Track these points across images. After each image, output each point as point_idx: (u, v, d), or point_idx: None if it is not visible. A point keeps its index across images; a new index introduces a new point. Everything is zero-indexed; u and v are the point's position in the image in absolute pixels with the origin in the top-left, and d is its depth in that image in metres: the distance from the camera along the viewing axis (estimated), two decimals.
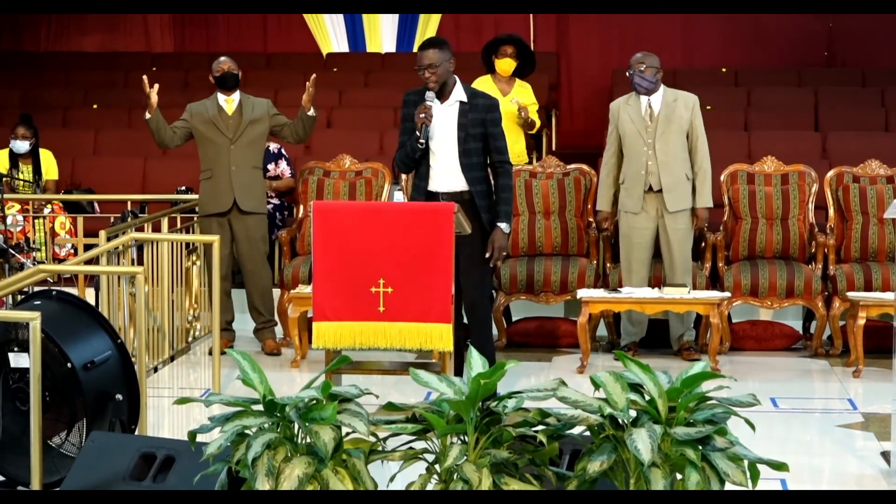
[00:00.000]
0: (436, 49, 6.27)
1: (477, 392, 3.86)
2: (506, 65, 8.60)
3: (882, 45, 13.10)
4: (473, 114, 6.31)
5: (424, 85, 6.31)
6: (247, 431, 3.89)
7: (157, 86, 7.70)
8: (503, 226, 6.33)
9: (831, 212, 8.20)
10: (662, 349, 7.88)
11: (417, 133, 6.24)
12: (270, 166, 8.81)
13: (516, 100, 8.58)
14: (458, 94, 6.34)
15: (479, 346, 6.20)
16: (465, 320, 6.56)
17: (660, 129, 7.57)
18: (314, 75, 7.88)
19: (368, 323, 5.83)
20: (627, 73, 7.63)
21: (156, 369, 6.72)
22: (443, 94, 6.33)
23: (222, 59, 7.99)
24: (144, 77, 7.75)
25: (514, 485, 3.83)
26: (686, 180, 7.60)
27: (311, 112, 7.84)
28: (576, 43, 13.93)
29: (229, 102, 7.88)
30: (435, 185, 6.39)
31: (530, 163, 8.87)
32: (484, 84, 8.55)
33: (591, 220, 8.26)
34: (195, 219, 8.08)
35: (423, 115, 6.22)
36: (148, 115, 7.72)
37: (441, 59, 6.26)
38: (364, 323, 5.83)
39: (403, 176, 8.34)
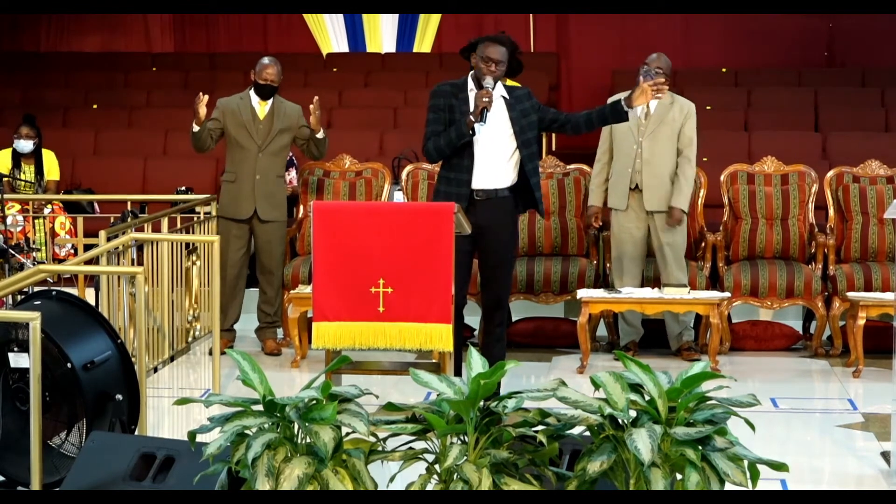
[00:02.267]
0: (510, 52, 6.16)
1: (477, 392, 3.86)
2: None
3: (882, 45, 13.11)
4: (519, 105, 6.21)
5: (451, 80, 6.26)
6: (247, 431, 3.89)
7: (206, 97, 7.67)
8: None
9: (831, 212, 8.20)
10: (662, 349, 7.88)
11: (472, 118, 6.04)
12: None
13: None
14: (500, 90, 6.23)
15: (497, 341, 6.23)
16: (483, 315, 6.41)
17: (650, 129, 7.57)
18: (316, 98, 7.84)
19: (368, 323, 5.82)
20: (642, 70, 7.49)
21: (156, 369, 6.72)
22: None
23: (267, 62, 7.87)
24: (200, 94, 7.67)
25: (514, 485, 3.83)
26: (669, 183, 7.58)
27: (320, 135, 7.85)
28: (576, 43, 13.94)
29: (262, 106, 7.87)
30: (478, 181, 6.17)
31: None
32: None
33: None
34: (197, 217, 8.08)
35: (487, 98, 6.03)
36: (196, 129, 7.70)
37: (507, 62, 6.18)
38: (364, 323, 5.83)
39: (403, 175, 8.33)
